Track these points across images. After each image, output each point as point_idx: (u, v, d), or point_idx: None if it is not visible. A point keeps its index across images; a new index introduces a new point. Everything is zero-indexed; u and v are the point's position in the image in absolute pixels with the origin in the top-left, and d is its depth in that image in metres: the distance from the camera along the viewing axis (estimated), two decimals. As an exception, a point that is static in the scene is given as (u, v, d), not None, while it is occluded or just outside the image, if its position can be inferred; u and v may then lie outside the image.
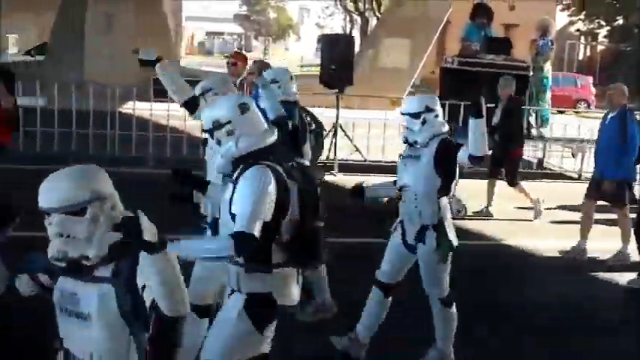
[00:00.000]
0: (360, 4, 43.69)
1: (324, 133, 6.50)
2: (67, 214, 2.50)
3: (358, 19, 46.29)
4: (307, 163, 5.59)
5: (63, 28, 20.80)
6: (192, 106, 4.88)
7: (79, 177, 2.55)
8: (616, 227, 8.16)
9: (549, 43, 13.46)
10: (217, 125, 3.50)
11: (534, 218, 9.61)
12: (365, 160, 12.53)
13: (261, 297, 3.50)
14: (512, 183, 9.57)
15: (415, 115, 4.78)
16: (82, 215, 2.50)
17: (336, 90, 12.31)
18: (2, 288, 2.88)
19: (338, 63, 12.23)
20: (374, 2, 40.52)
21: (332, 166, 11.85)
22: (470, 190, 9.24)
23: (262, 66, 7.07)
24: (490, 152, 8.86)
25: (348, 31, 46.74)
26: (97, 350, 2.58)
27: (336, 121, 12.32)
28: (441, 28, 23.68)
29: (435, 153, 4.73)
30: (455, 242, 4.82)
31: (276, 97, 5.40)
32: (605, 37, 36.80)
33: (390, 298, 5.04)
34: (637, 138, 7.74)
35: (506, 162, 9.55)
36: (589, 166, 10.91)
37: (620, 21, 34.48)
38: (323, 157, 10.02)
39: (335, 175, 11.57)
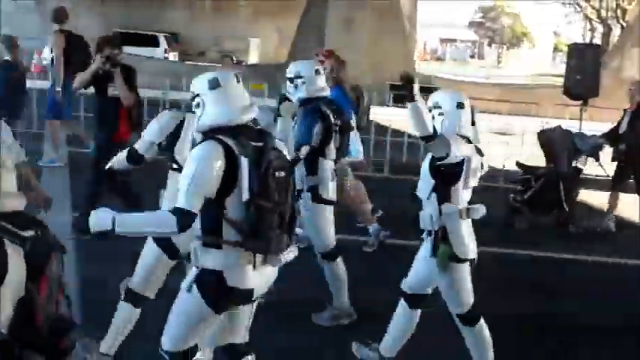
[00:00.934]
0: (603, 12, 41.56)
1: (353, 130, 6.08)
2: None
3: (599, 27, 44.07)
4: (331, 161, 5.47)
5: (304, 32, 21.68)
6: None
7: None
8: None
9: None
10: (192, 97, 3.57)
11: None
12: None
13: (210, 273, 3.45)
14: None
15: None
16: None
17: (580, 101, 11.71)
18: None
19: (584, 73, 11.64)
20: (618, 9, 38.35)
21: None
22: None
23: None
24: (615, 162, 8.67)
25: (588, 40, 44.68)
26: None
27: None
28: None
29: (431, 156, 4.44)
30: (468, 254, 4.43)
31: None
32: None
33: (419, 312, 4.70)
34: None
35: (637, 171, 8.78)
36: None
37: None
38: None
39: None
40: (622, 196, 9.01)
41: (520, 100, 20.77)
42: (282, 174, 3.45)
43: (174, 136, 4.32)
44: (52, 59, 9.72)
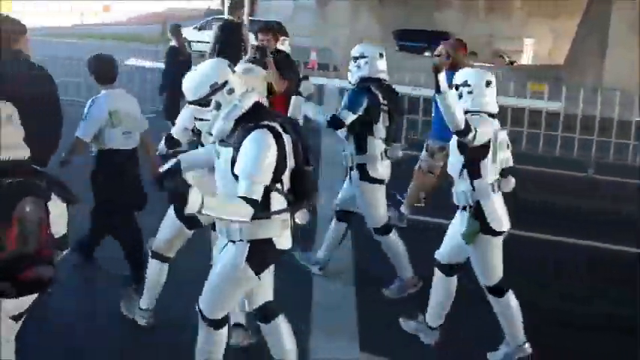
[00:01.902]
0: None
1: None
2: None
3: None
4: (380, 140, 5.55)
5: (585, 33, 20.95)
6: None
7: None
8: None
9: None
10: (217, 87, 3.65)
11: None
12: None
13: (263, 242, 3.69)
14: None
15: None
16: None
17: None
18: None
19: None
20: None
21: None
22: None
23: None
24: None
25: None
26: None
27: None
28: None
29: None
30: (501, 227, 4.54)
31: None
32: None
33: (455, 280, 4.81)
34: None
35: None
36: None
37: None
38: None
39: None
40: None
41: None
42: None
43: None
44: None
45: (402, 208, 7.44)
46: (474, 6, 32.00)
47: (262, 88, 4.35)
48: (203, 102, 3.68)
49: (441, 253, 4.84)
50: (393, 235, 5.67)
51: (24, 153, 3.36)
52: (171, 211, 4.67)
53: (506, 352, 4.70)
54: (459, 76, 4.68)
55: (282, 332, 4.00)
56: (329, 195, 5.60)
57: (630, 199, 9.08)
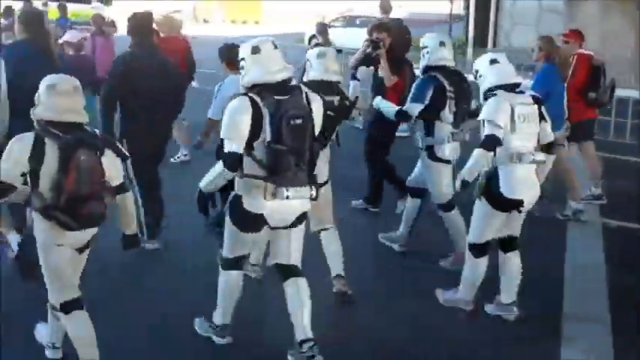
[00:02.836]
0: None
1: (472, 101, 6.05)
2: None
3: None
4: (448, 125, 5.86)
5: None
6: None
7: None
8: None
9: None
10: (239, 60, 4.28)
11: None
12: None
13: (235, 196, 4.24)
14: None
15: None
16: None
17: None
18: None
19: None
20: None
21: None
22: None
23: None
24: None
25: None
26: None
27: None
28: None
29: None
30: (513, 194, 4.90)
31: None
32: None
33: (485, 261, 5.16)
34: None
35: None
36: None
37: None
38: None
39: None
40: None
41: None
42: (298, 121, 4.06)
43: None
44: None
45: (573, 204, 7.51)
46: None
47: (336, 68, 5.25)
48: None
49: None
50: (455, 212, 6.02)
51: (83, 118, 3.97)
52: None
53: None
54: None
55: (291, 294, 4.43)
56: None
57: None
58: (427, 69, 5.94)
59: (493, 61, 5.07)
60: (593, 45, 10.36)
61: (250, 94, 4.09)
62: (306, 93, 4.24)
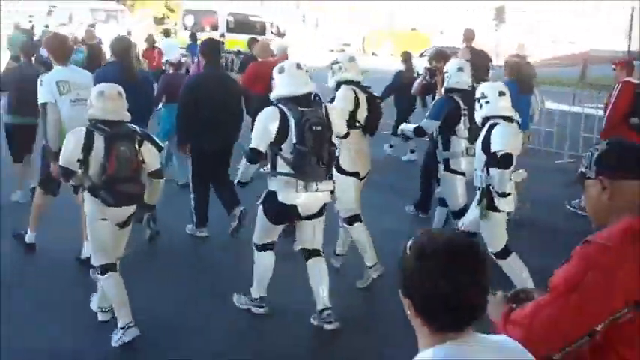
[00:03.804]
0: None
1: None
2: None
3: None
4: (463, 140, 6.32)
5: None
6: None
7: None
8: None
9: None
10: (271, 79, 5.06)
11: None
12: None
13: (270, 193, 4.96)
14: None
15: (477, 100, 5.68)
16: None
17: None
18: None
19: None
20: None
21: None
22: None
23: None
24: None
25: None
26: None
27: None
28: None
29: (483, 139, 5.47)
30: (504, 208, 5.41)
31: None
32: None
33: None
34: None
35: None
36: None
37: None
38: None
39: None
40: None
41: None
42: (319, 128, 4.80)
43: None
44: None
45: None
46: None
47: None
48: None
49: (463, 222, 5.88)
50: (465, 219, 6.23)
51: (126, 117, 4.82)
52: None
53: None
54: (477, 91, 5.76)
55: (312, 272, 5.19)
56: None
57: None
58: (448, 90, 6.52)
59: (501, 93, 5.65)
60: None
61: (280, 105, 4.88)
62: (325, 106, 5.04)
